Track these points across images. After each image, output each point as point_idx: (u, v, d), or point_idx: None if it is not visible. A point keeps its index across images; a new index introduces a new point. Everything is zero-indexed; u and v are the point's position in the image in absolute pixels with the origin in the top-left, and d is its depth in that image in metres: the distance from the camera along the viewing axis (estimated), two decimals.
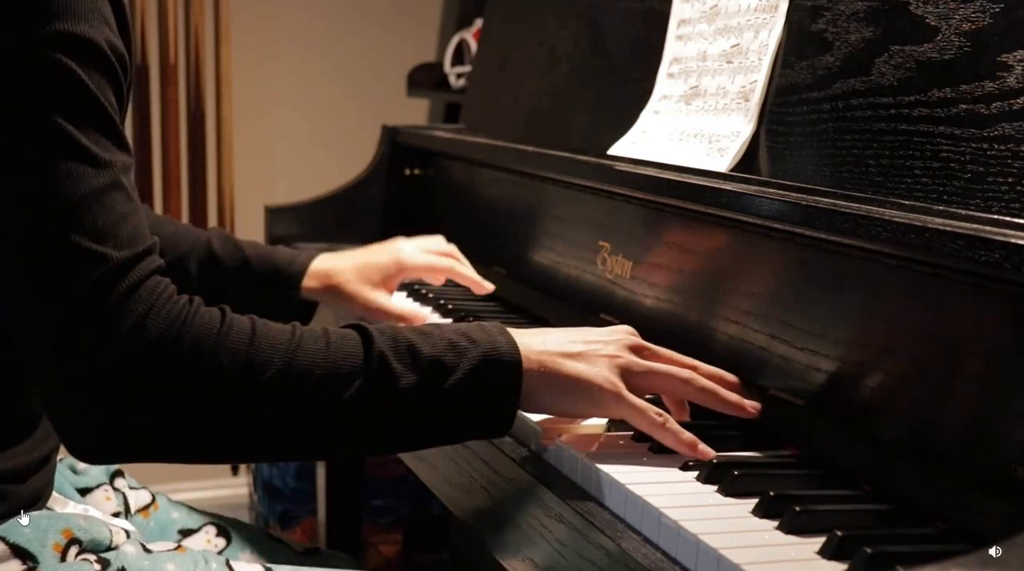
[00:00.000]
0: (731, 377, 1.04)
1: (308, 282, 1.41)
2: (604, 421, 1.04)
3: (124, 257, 0.85)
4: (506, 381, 0.92)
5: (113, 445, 0.87)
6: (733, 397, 1.00)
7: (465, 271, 1.47)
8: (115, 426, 0.86)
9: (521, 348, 0.93)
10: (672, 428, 0.94)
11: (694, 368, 1.01)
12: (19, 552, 0.96)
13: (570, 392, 0.94)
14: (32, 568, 0.95)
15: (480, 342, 0.92)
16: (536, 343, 0.95)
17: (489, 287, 1.47)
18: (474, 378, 0.91)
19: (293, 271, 1.41)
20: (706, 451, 0.94)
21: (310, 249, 1.51)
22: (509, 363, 0.92)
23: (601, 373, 0.95)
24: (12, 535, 0.96)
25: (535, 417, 1.03)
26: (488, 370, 0.91)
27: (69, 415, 0.86)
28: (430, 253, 1.47)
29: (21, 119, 0.84)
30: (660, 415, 0.95)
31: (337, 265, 1.43)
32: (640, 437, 1.00)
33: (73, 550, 0.98)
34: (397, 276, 1.44)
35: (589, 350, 0.96)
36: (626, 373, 0.96)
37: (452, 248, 1.50)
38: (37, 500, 1.02)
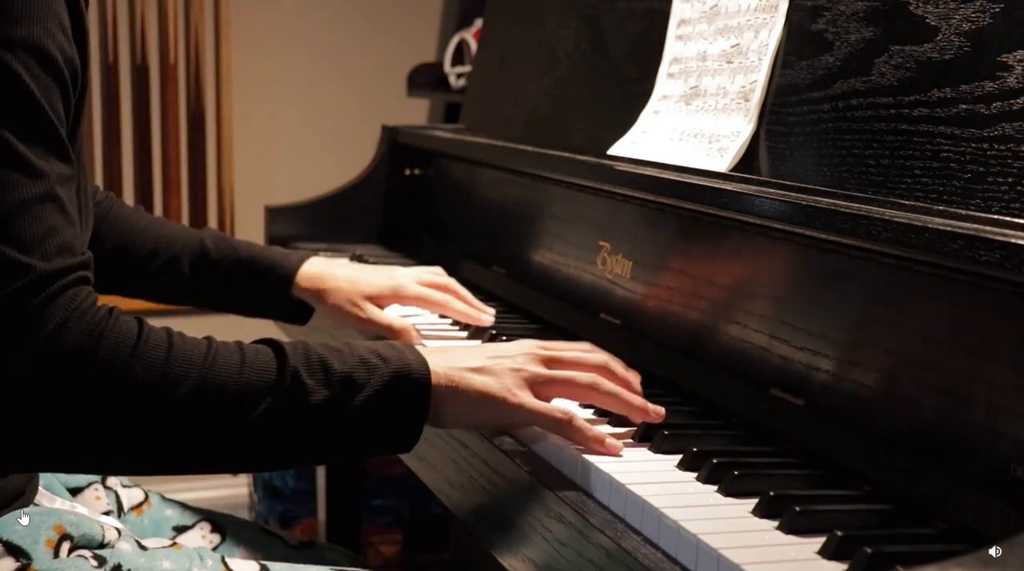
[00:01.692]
0: (635, 379, 1.05)
1: (300, 282, 1.40)
2: (604, 419, 1.04)
3: (49, 270, 0.83)
4: (415, 397, 0.94)
5: (27, 454, 0.87)
6: (638, 401, 1.01)
7: (459, 307, 1.42)
8: (29, 435, 0.85)
9: (430, 365, 0.95)
10: (578, 425, 0.96)
11: (604, 366, 1.03)
12: (12, 549, 0.96)
13: (476, 405, 0.96)
14: (26, 565, 0.95)
15: (390, 360, 0.94)
16: (444, 360, 0.97)
17: (488, 320, 1.42)
18: (384, 394, 0.92)
19: (285, 271, 1.41)
20: (613, 445, 0.95)
21: (305, 251, 1.49)
22: (419, 380, 0.94)
23: (504, 385, 0.97)
24: (5, 532, 0.96)
25: None
26: (399, 387, 0.93)
27: None
28: (426, 285, 1.43)
29: None
30: (565, 414, 0.96)
31: (331, 271, 1.42)
32: (640, 437, 1.00)
33: (65, 546, 0.99)
34: (389, 299, 1.41)
35: (493, 364, 0.98)
36: (531, 384, 0.99)
37: (451, 281, 1.46)
38: (21, 494, 1.02)
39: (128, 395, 0.85)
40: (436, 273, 1.47)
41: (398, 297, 1.41)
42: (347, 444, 0.94)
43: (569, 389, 1.01)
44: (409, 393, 0.93)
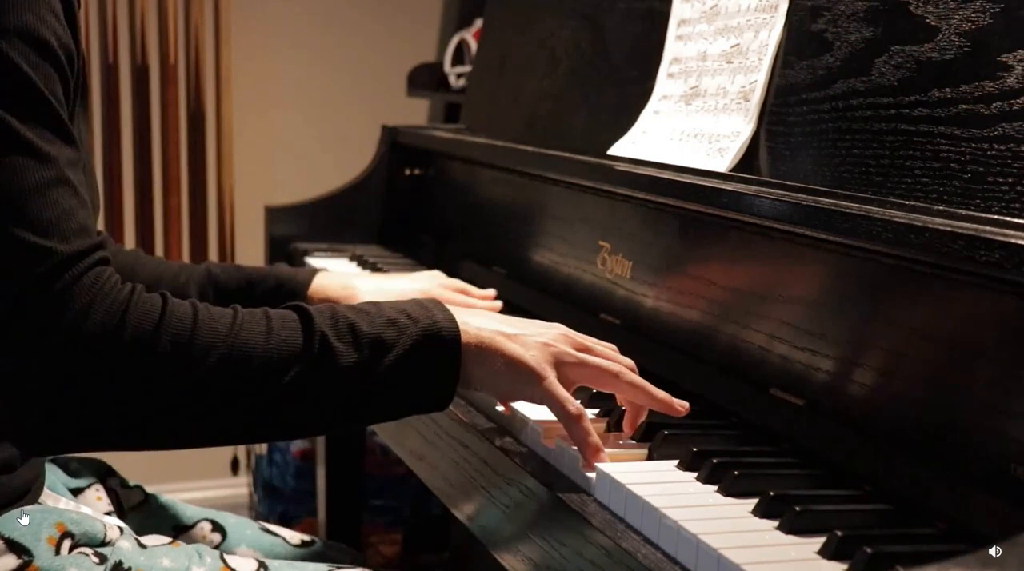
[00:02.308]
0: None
1: (314, 296, 1.40)
2: (603, 422, 1.04)
3: (70, 251, 0.84)
4: (445, 356, 0.93)
5: (59, 434, 0.87)
6: (662, 394, 0.99)
7: (479, 303, 1.44)
8: (61, 415, 0.86)
9: (460, 324, 0.95)
10: (585, 425, 0.94)
11: (630, 367, 1.02)
12: (13, 546, 0.96)
13: (503, 372, 0.95)
14: (28, 562, 0.96)
15: (419, 319, 0.93)
16: (474, 320, 0.96)
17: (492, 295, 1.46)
18: (414, 354, 0.92)
19: (296, 284, 1.41)
20: (603, 458, 0.93)
21: (310, 268, 1.48)
22: (448, 338, 0.93)
23: (534, 357, 0.96)
24: (6, 529, 0.97)
25: (533, 416, 1.03)
26: (428, 346, 0.92)
27: (15, 406, 0.86)
28: (441, 287, 1.45)
29: None
30: (577, 409, 0.95)
31: (351, 281, 1.42)
32: (640, 437, 1.00)
33: (67, 543, 0.99)
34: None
35: (525, 334, 0.98)
36: (559, 363, 0.98)
37: (458, 282, 1.48)
38: (27, 492, 1.03)
39: (157, 370, 0.86)
40: (437, 279, 1.48)
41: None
42: (380, 406, 0.93)
43: (595, 374, 0.99)
44: (439, 352, 0.93)
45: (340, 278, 1.43)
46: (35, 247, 0.83)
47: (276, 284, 1.41)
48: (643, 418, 1.01)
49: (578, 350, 1.00)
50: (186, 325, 0.87)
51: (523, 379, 0.96)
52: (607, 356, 1.02)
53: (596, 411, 1.08)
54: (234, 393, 0.88)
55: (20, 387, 0.85)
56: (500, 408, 1.07)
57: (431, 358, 0.93)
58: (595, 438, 0.94)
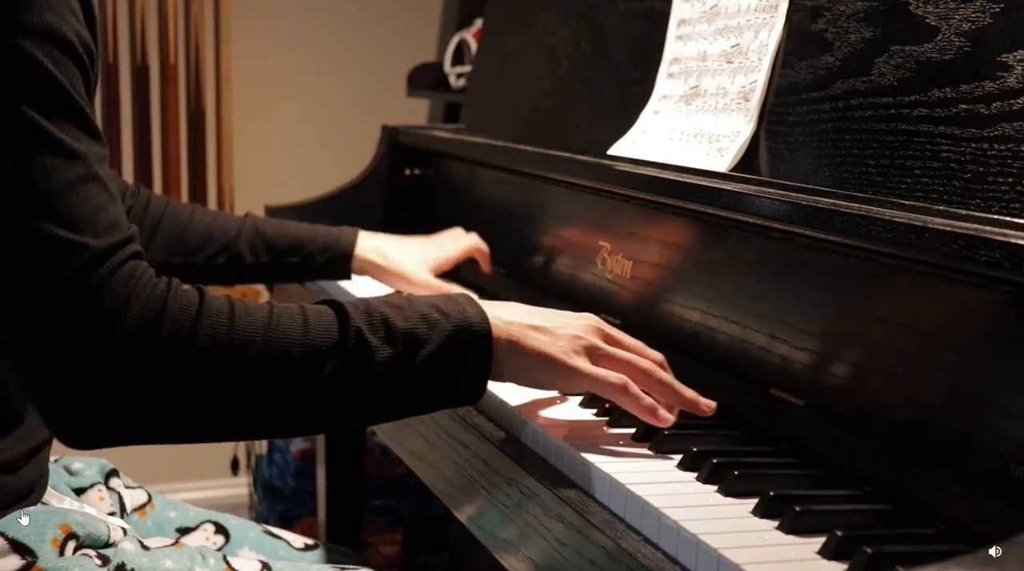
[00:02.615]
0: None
1: (363, 255, 1.56)
2: (603, 420, 1.04)
3: (103, 246, 0.85)
4: (477, 350, 0.95)
5: (99, 429, 0.88)
6: (690, 393, 1.00)
7: (486, 249, 1.64)
8: (100, 410, 0.87)
9: (491, 318, 0.96)
10: (633, 392, 0.97)
11: (660, 364, 1.03)
12: (17, 547, 0.96)
13: (535, 364, 0.97)
14: (31, 563, 0.96)
15: (451, 313, 0.95)
16: (504, 314, 0.98)
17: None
18: (446, 348, 0.93)
19: (343, 246, 1.55)
20: (666, 416, 0.97)
21: (348, 228, 1.61)
22: (480, 333, 0.95)
23: (563, 348, 0.98)
24: (10, 530, 0.96)
25: (542, 414, 1.03)
26: (460, 340, 0.94)
27: (55, 402, 0.87)
28: (458, 246, 1.64)
29: None
30: (620, 380, 0.97)
31: (388, 245, 1.58)
32: (640, 437, 1.00)
33: (71, 545, 0.99)
34: (440, 265, 1.60)
35: (554, 326, 0.99)
36: (588, 354, 0.99)
37: (475, 240, 1.66)
38: (30, 492, 1.03)
39: (194, 364, 0.87)
40: (460, 233, 1.68)
41: (446, 261, 1.61)
42: (413, 399, 0.95)
43: (625, 369, 1.00)
44: (470, 346, 0.94)
45: (376, 242, 1.58)
46: (69, 243, 0.84)
47: (324, 244, 1.54)
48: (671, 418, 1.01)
49: (608, 343, 1.01)
50: (224, 319, 0.88)
51: (553, 370, 0.98)
52: (637, 350, 1.03)
53: (594, 411, 1.08)
54: (271, 386, 0.89)
55: (59, 383, 0.86)
56: (512, 403, 1.08)
57: (463, 352, 0.94)
58: (648, 400, 0.97)
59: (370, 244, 1.57)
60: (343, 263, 1.55)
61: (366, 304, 0.94)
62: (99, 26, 0.95)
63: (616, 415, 1.04)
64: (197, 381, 0.87)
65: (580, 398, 1.10)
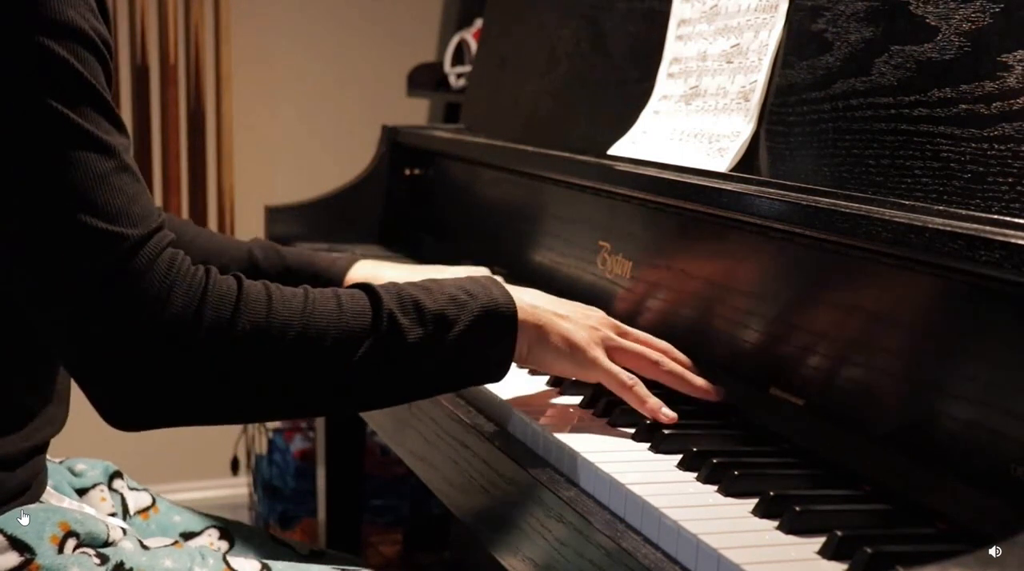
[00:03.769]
0: (687, 361, 1.10)
1: (354, 278, 1.46)
2: (605, 419, 1.04)
3: (140, 234, 0.88)
4: (503, 330, 1.00)
5: (145, 412, 0.92)
6: (700, 381, 1.06)
7: None
8: (146, 395, 0.91)
9: (516, 301, 1.01)
10: (640, 392, 1.02)
11: (667, 352, 1.08)
12: (16, 544, 0.96)
13: (557, 349, 1.03)
14: (29, 560, 0.96)
15: (478, 295, 1.00)
16: (527, 297, 1.04)
17: None
18: (474, 329, 0.98)
19: (333, 274, 1.47)
20: (669, 414, 1.00)
21: (351, 254, 1.53)
22: (506, 313, 1.00)
23: (584, 338, 1.03)
24: (9, 527, 0.97)
25: (534, 414, 1.03)
26: (487, 320, 0.99)
27: (103, 388, 0.91)
28: None
29: (22, 110, 0.86)
30: (631, 379, 1.02)
31: (384, 270, 1.48)
32: (640, 437, 1.00)
33: (71, 543, 0.99)
34: None
35: (575, 316, 1.05)
36: (604, 345, 1.05)
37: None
38: (27, 489, 1.03)
39: (236, 349, 0.91)
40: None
41: None
42: (443, 377, 1.00)
43: (636, 361, 1.05)
44: (497, 326, 0.99)
45: (372, 269, 1.49)
46: (107, 233, 0.87)
47: (313, 273, 1.47)
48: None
49: (620, 334, 1.07)
50: (262, 306, 0.92)
51: (575, 356, 1.03)
52: (646, 342, 1.08)
53: (579, 399, 1.10)
54: (309, 368, 0.93)
55: (107, 371, 0.89)
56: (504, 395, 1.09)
57: (490, 332, 0.99)
58: (653, 401, 1.01)
59: (365, 271, 1.49)
60: (330, 284, 1.48)
61: (397, 287, 0.99)
62: (111, 22, 0.97)
63: (616, 415, 1.04)
64: (238, 365, 0.91)
65: (580, 397, 1.10)
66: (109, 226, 0.87)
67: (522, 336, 1.01)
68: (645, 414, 1.01)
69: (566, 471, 0.96)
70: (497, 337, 1.00)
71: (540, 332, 1.02)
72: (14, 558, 0.96)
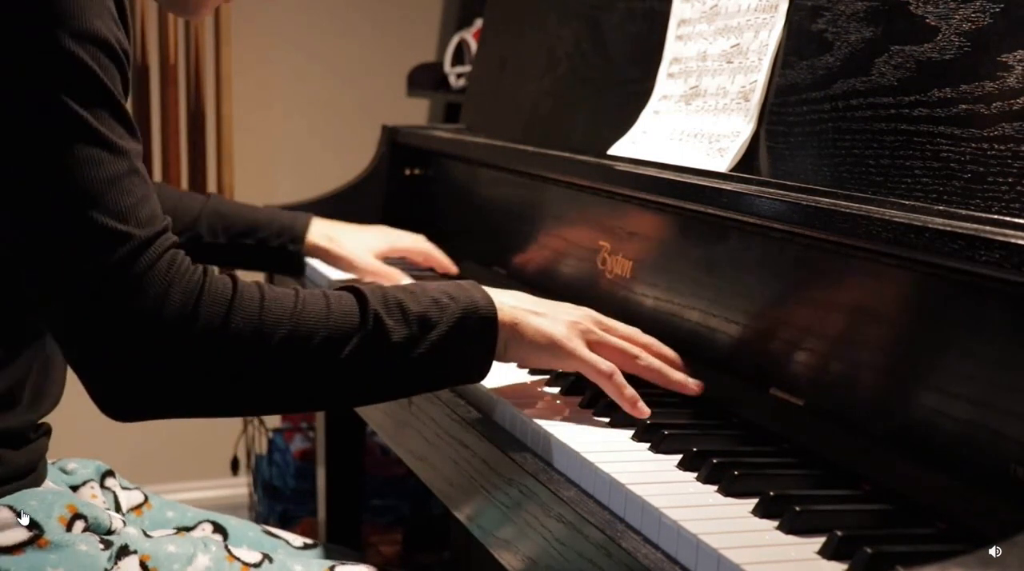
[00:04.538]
0: (673, 355, 1.12)
1: (313, 240, 1.64)
2: (605, 419, 1.04)
3: (146, 235, 0.92)
4: (483, 332, 1.03)
5: (140, 404, 0.96)
6: (677, 376, 1.09)
7: (439, 255, 1.69)
8: (142, 388, 0.94)
9: (496, 303, 1.05)
10: (618, 381, 1.04)
11: (648, 346, 1.11)
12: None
13: (533, 343, 1.06)
14: (38, 535, 1.00)
15: (459, 298, 1.03)
16: (508, 300, 1.07)
17: (455, 270, 1.68)
18: (456, 330, 1.02)
19: (296, 231, 1.64)
20: (643, 409, 1.03)
21: (300, 213, 1.69)
22: (486, 315, 1.03)
23: (561, 331, 1.06)
24: (19, 505, 1.01)
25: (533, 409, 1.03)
26: (468, 322, 1.02)
27: (100, 378, 0.94)
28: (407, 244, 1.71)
29: (44, 109, 0.90)
30: (609, 368, 1.04)
31: (338, 231, 1.66)
32: (640, 437, 1.00)
33: (79, 525, 1.03)
34: (386, 252, 1.68)
35: (553, 312, 1.08)
36: (584, 339, 1.07)
37: (425, 244, 1.72)
38: (33, 469, 1.07)
39: (228, 346, 0.94)
40: (420, 237, 1.73)
41: (394, 249, 1.69)
42: (425, 376, 1.03)
43: (615, 354, 1.07)
44: (477, 328, 1.03)
45: (328, 229, 1.66)
46: (116, 232, 0.90)
47: (262, 238, 1.63)
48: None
49: (602, 329, 1.09)
50: (255, 305, 0.96)
51: (552, 349, 1.06)
52: (629, 337, 1.10)
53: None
54: (298, 365, 0.97)
55: (105, 363, 0.93)
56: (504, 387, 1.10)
57: (470, 333, 1.02)
58: (630, 391, 1.03)
59: (322, 230, 1.65)
60: (295, 246, 1.63)
61: (382, 290, 1.02)
62: (131, 30, 1.00)
63: (616, 415, 1.04)
64: (230, 362, 0.95)
65: (580, 397, 1.11)
66: (117, 225, 0.91)
67: (501, 335, 1.04)
68: (623, 405, 1.03)
69: (567, 471, 0.96)
70: (477, 338, 1.03)
71: (515, 329, 1.05)
72: (23, 533, 1.00)
